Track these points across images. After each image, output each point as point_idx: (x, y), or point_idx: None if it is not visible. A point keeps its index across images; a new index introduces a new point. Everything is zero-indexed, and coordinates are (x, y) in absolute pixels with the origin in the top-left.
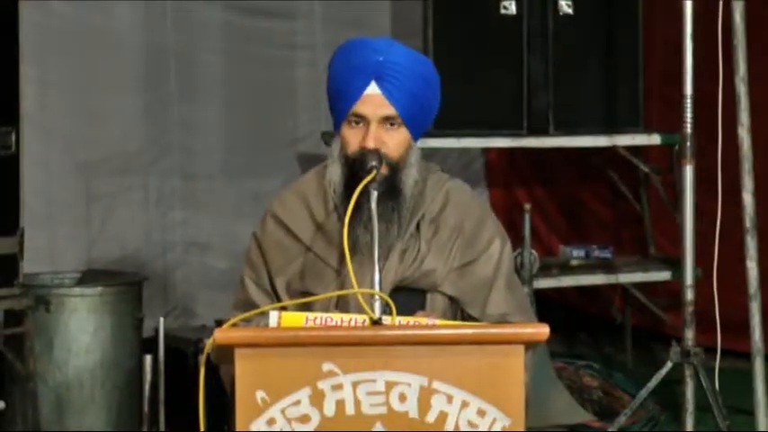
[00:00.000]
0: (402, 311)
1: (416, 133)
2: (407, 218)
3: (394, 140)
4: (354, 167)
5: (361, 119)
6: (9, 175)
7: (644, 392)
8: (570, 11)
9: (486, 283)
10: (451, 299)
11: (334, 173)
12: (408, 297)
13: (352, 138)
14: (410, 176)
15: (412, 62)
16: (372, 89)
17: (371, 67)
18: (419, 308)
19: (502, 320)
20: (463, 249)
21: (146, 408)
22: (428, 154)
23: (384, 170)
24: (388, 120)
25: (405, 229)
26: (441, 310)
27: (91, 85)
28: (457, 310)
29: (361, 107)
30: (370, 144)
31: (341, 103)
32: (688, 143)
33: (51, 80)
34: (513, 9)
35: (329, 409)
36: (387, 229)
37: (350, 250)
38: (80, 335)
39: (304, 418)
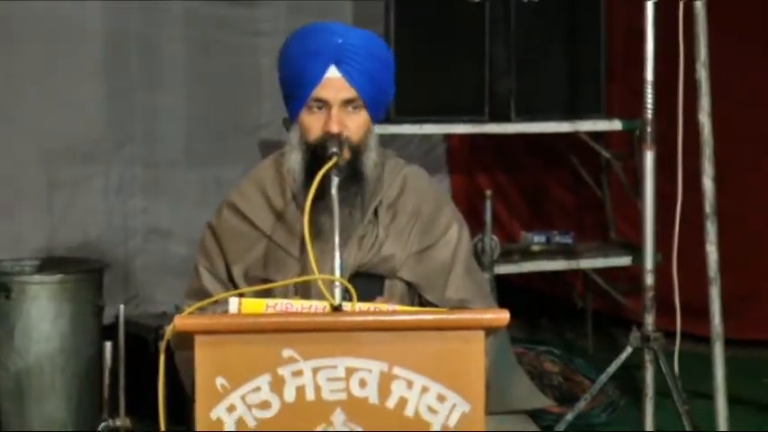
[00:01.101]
0: (361, 297)
1: (375, 115)
2: (369, 202)
3: (355, 123)
4: (316, 153)
5: (323, 103)
6: None
7: (604, 377)
8: None
9: (445, 269)
10: (410, 284)
11: (294, 160)
12: (367, 283)
13: (314, 123)
14: (370, 159)
15: (369, 43)
16: (332, 73)
17: (331, 51)
18: (378, 293)
19: (461, 306)
20: (421, 235)
21: (106, 394)
22: (390, 140)
23: (346, 154)
24: (349, 103)
25: (365, 214)
26: (399, 295)
27: (54, 72)
28: (415, 296)
29: (321, 91)
30: (334, 128)
31: (300, 89)
32: (649, 129)
33: (14, 68)
34: None
35: (289, 395)
36: (350, 214)
37: (311, 237)
38: (40, 322)
39: (264, 405)
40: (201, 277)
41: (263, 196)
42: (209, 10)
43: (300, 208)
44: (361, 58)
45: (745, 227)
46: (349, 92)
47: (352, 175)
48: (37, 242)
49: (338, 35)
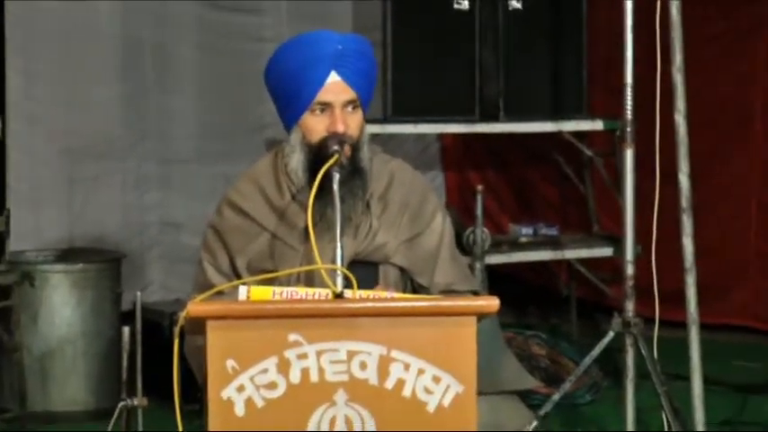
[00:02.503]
0: (358, 283)
1: (366, 111)
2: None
3: (354, 122)
4: (318, 153)
5: (325, 106)
6: None
7: (588, 360)
8: (519, 5)
9: (433, 254)
10: (402, 270)
11: (297, 161)
12: (363, 270)
13: (318, 125)
14: (366, 154)
15: (363, 47)
16: (333, 77)
17: (331, 57)
18: (373, 279)
19: (448, 289)
20: (410, 223)
21: (124, 375)
22: (387, 139)
23: (347, 151)
24: (349, 103)
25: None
26: (393, 280)
27: (73, 75)
28: (407, 280)
29: (325, 95)
30: (340, 128)
31: (302, 95)
32: (628, 128)
33: (36, 71)
34: (465, 5)
35: (294, 376)
36: (354, 205)
37: (314, 230)
38: (63, 308)
39: (271, 386)
40: (206, 272)
41: (261, 194)
42: (218, 18)
43: (302, 205)
44: (357, 62)
45: (718, 218)
46: (349, 94)
47: (354, 170)
48: (58, 234)
49: (336, 42)
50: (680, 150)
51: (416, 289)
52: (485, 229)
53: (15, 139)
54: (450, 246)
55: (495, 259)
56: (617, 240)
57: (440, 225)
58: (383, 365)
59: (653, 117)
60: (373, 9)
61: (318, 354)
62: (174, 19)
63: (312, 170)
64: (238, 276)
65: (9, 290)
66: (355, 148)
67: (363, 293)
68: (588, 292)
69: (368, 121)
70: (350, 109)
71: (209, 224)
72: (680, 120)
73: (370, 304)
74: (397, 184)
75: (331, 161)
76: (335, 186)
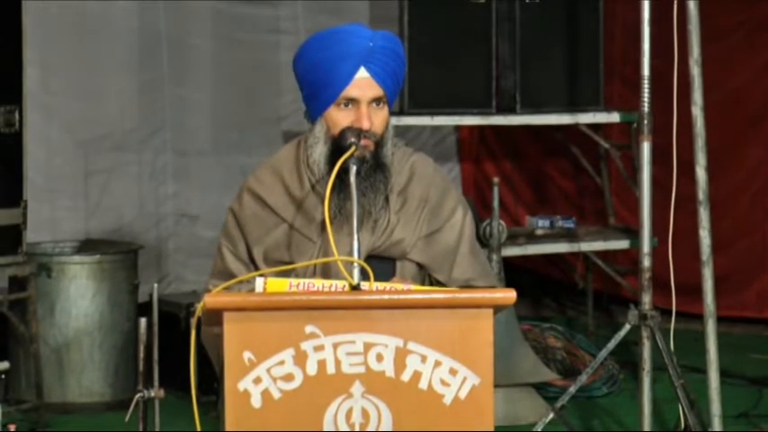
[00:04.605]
0: (375, 278)
1: (392, 108)
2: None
3: (379, 118)
4: (338, 145)
5: (352, 101)
6: (13, 151)
7: (604, 353)
8: None
9: (452, 250)
10: (420, 265)
11: (319, 153)
12: (380, 265)
13: (344, 119)
14: (389, 150)
15: (392, 44)
16: (362, 73)
17: (361, 53)
18: (390, 275)
19: (467, 285)
20: (429, 219)
21: (141, 367)
22: (404, 131)
23: (371, 146)
24: (376, 100)
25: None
26: (410, 276)
27: (89, 67)
28: (425, 276)
29: (352, 90)
30: (366, 125)
31: (329, 89)
32: (645, 121)
33: (53, 63)
34: None
35: (311, 368)
36: (375, 200)
37: (331, 222)
38: (79, 300)
39: (288, 377)
40: (225, 258)
41: (282, 184)
42: (234, 10)
43: (320, 196)
44: (387, 59)
45: (735, 210)
46: (377, 90)
47: (377, 165)
48: (74, 226)
49: (368, 39)
50: (697, 143)
51: (434, 285)
52: (501, 222)
53: (32, 131)
54: (469, 241)
55: (511, 252)
56: (633, 232)
57: (459, 220)
58: (400, 357)
59: (669, 110)
60: (390, 1)
61: (335, 346)
62: (191, 11)
63: (333, 162)
64: (255, 266)
65: (26, 281)
66: (379, 144)
67: (380, 285)
68: (605, 285)
69: None
70: (376, 105)
71: (230, 208)
72: (697, 112)
73: (386, 296)
74: (417, 179)
75: (348, 153)
76: (352, 178)
